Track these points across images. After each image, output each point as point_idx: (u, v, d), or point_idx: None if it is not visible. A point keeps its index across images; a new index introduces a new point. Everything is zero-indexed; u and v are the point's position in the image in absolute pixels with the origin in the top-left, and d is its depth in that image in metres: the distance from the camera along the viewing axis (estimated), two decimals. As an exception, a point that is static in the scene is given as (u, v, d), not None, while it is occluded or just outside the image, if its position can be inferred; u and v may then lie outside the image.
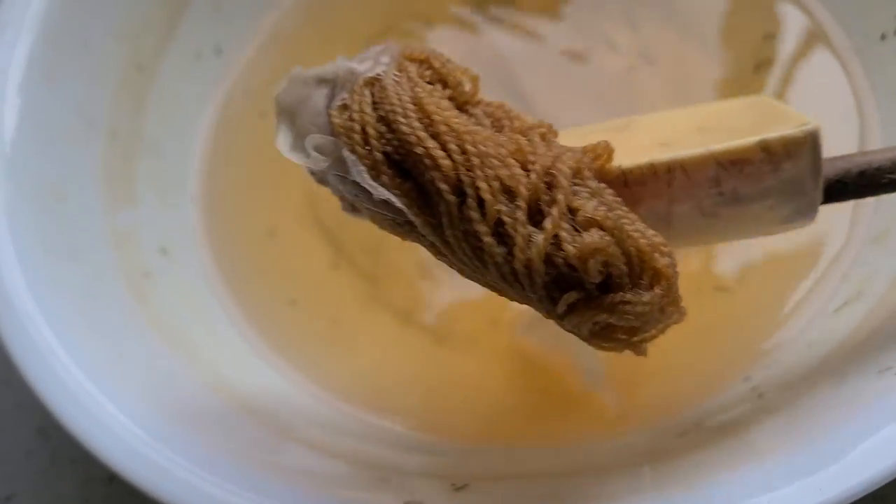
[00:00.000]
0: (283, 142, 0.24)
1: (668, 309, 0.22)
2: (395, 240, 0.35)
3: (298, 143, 0.24)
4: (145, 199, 0.37)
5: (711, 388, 0.31)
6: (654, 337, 0.23)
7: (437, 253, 0.23)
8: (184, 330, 0.34)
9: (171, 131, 0.39)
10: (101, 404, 0.29)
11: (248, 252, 0.38)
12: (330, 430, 0.32)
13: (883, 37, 0.34)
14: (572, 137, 0.24)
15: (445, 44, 0.40)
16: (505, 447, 0.32)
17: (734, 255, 0.34)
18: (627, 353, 0.23)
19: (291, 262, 0.37)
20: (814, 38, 0.36)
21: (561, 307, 0.22)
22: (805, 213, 0.25)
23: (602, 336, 0.23)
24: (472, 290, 0.33)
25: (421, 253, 0.34)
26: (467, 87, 0.24)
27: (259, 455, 0.30)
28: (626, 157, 0.24)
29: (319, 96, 0.24)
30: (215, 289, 0.37)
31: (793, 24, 0.37)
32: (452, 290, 0.36)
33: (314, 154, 0.23)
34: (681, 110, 0.29)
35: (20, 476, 0.36)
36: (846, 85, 0.35)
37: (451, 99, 0.23)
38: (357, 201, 0.23)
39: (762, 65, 0.36)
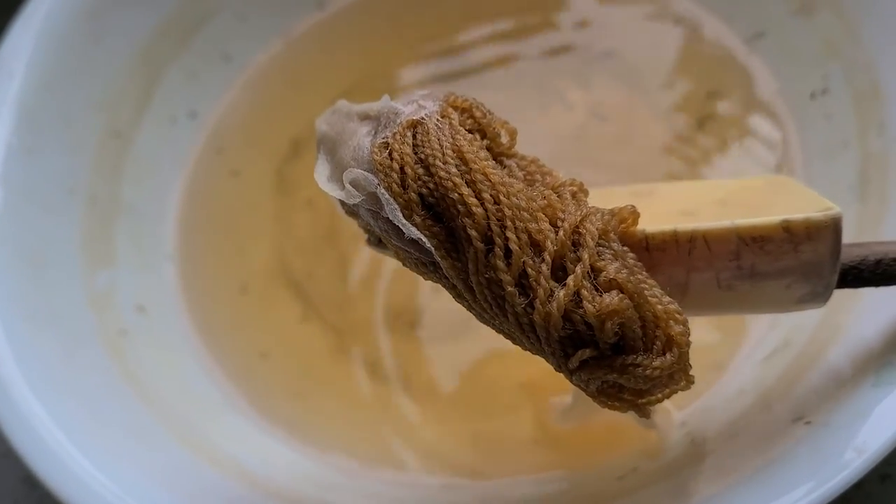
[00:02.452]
0: (320, 172, 0.25)
1: (677, 375, 0.23)
2: (360, 294, 0.38)
3: (336, 175, 0.25)
4: (123, 259, 0.39)
5: (649, 432, 0.32)
6: (659, 401, 0.23)
7: (458, 296, 0.24)
8: (158, 385, 0.36)
9: (148, 193, 0.40)
10: (77, 461, 0.31)
11: (222, 308, 0.39)
12: (300, 480, 0.34)
13: (812, 95, 0.36)
14: (595, 197, 0.24)
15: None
16: (470, 486, 0.34)
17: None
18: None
19: (263, 316, 0.39)
20: (753, 95, 0.38)
21: (573, 363, 0.22)
22: (819, 296, 0.25)
23: (609, 395, 0.23)
24: (434, 343, 0.36)
25: (385, 307, 0.37)
26: (504, 139, 0.25)
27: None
28: (649, 222, 0.24)
29: (362, 132, 0.24)
30: (190, 343, 0.38)
31: (734, 83, 0.39)
32: (416, 342, 0.37)
33: (349, 188, 0.24)
34: (703, 182, 0.29)
35: (8, 524, 0.37)
36: (779, 142, 0.37)
37: (488, 149, 0.24)
38: (386, 237, 0.24)
39: (705, 121, 0.38)
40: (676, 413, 0.32)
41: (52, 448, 0.31)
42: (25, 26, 0.38)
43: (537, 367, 0.35)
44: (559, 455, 0.34)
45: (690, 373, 0.23)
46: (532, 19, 0.42)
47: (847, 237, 0.29)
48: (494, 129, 0.24)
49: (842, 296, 0.30)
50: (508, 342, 0.35)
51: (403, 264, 0.25)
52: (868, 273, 0.25)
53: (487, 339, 0.36)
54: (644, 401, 0.23)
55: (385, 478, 0.34)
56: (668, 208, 0.26)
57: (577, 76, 0.41)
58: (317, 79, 0.43)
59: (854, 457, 0.25)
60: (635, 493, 0.30)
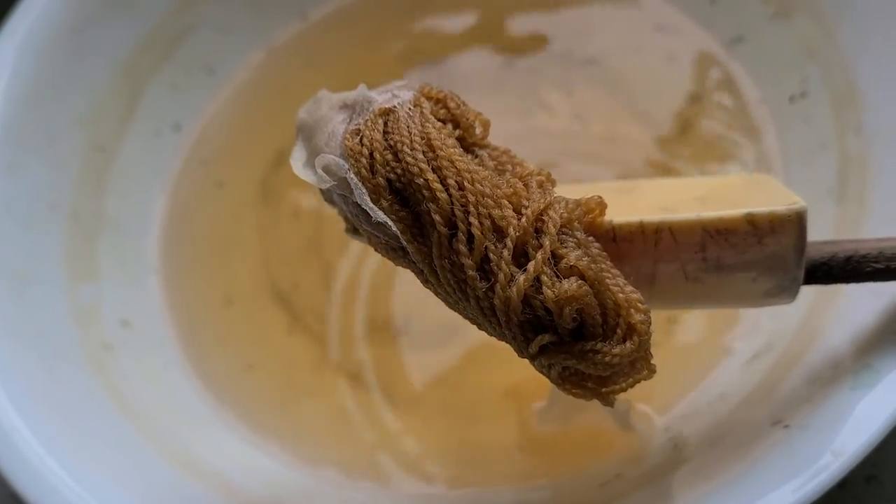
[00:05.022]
0: (297, 158, 0.26)
1: (639, 364, 0.23)
2: (345, 304, 0.38)
3: (311, 161, 0.26)
4: (107, 273, 0.39)
5: (632, 438, 0.32)
6: (622, 390, 0.23)
7: (425, 281, 0.25)
8: (143, 399, 0.36)
9: (132, 207, 0.41)
10: (59, 477, 0.31)
11: (206, 320, 0.39)
12: (284, 492, 0.34)
13: (791, 98, 0.36)
14: (578, 193, 0.25)
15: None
16: (454, 494, 0.34)
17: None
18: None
19: (248, 328, 0.39)
20: (733, 99, 0.38)
21: (533, 347, 0.23)
22: (786, 290, 0.26)
23: (571, 382, 0.23)
24: (419, 352, 0.37)
25: (370, 316, 0.37)
26: (478, 130, 0.26)
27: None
28: (623, 215, 0.25)
29: (338, 120, 0.25)
30: (175, 357, 0.38)
31: (714, 87, 0.39)
32: (400, 351, 0.38)
33: (321, 173, 0.25)
34: (685, 179, 0.30)
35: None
36: (759, 144, 0.37)
37: (461, 139, 0.25)
38: (357, 222, 0.25)
39: (686, 124, 0.39)
40: (658, 418, 0.32)
41: (33, 464, 0.31)
42: (7, 42, 0.38)
43: (520, 374, 0.35)
44: (543, 462, 0.34)
45: (652, 362, 0.23)
46: (514, 27, 0.42)
47: (826, 238, 0.29)
48: (468, 119, 0.25)
49: (821, 298, 0.30)
50: (490, 349, 0.35)
51: (375, 250, 0.25)
52: (837, 270, 0.26)
53: (470, 347, 0.36)
54: (608, 389, 0.23)
55: (370, 488, 0.35)
56: (647, 204, 0.27)
57: (560, 82, 0.41)
58: (300, 89, 0.43)
59: (831, 460, 0.26)
60: (618, 499, 0.30)
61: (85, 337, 0.36)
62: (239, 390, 0.38)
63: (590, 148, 0.40)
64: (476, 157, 0.25)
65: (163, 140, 0.42)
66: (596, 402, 0.24)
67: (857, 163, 0.33)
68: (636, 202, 0.28)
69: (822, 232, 0.32)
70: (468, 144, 0.25)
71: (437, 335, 0.37)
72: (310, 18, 0.44)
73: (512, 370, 0.36)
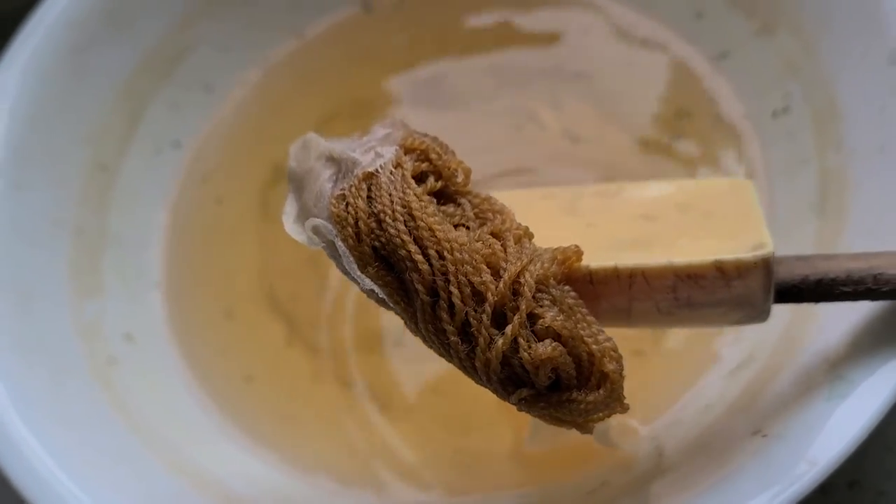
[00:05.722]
0: (288, 213, 0.27)
1: (613, 404, 0.25)
2: (344, 316, 0.40)
3: (301, 218, 0.27)
4: (110, 289, 0.40)
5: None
6: (600, 419, 0.25)
7: (413, 333, 0.26)
8: (146, 412, 0.37)
9: (134, 223, 0.42)
10: (68, 488, 0.32)
11: (207, 333, 0.41)
12: (284, 502, 0.35)
13: (774, 114, 0.37)
14: (564, 196, 0.26)
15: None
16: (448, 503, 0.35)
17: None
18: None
19: (248, 340, 0.41)
20: (719, 114, 0.39)
21: (513, 399, 0.25)
22: (755, 318, 0.27)
23: (550, 417, 0.25)
24: (415, 363, 0.38)
25: (367, 328, 0.39)
26: (460, 178, 0.27)
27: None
28: (611, 226, 0.27)
29: (325, 177, 0.26)
30: (177, 369, 0.39)
31: (700, 102, 0.40)
32: (395, 362, 0.39)
33: (311, 235, 0.26)
34: (668, 183, 0.31)
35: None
36: (744, 159, 0.38)
37: (443, 188, 0.26)
38: (348, 278, 0.26)
39: (674, 139, 0.40)
40: (644, 427, 0.33)
41: (43, 476, 0.32)
42: (11, 64, 0.39)
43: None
44: (534, 471, 0.35)
45: (625, 402, 0.25)
46: (505, 43, 0.43)
47: (807, 253, 0.30)
48: (450, 169, 0.26)
49: (800, 310, 0.31)
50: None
51: (368, 297, 0.26)
52: (808, 292, 0.27)
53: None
54: (584, 420, 0.25)
55: (366, 496, 0.36)
56: (630, 211, 0.29)
57: (550, 97, 0.42)
58: (297, 106, 0.44)
59: (806, 469, 0.27)
60: (605, 506, 0.31)
61: (90, 351, 0.38)
62: (239, 401, 0.39)
63: (578, 162, 0.41)
64: (458, 205, 0.26)
65: (163, 157, 0.43)
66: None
67: (837, 178, 0.34)
68: (619, 209, 0.29)
69: (804, 245, 0.33)
70: (450, 193, 0.26)
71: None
72: (305, 36, 0.44)
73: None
